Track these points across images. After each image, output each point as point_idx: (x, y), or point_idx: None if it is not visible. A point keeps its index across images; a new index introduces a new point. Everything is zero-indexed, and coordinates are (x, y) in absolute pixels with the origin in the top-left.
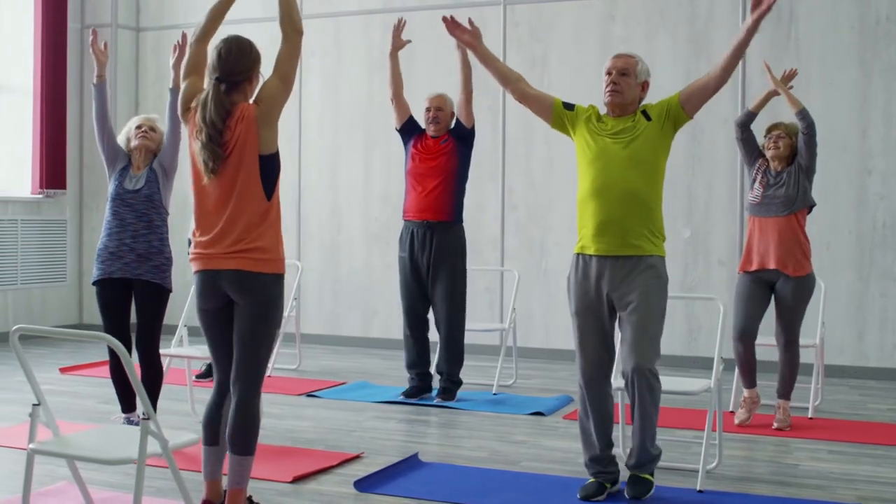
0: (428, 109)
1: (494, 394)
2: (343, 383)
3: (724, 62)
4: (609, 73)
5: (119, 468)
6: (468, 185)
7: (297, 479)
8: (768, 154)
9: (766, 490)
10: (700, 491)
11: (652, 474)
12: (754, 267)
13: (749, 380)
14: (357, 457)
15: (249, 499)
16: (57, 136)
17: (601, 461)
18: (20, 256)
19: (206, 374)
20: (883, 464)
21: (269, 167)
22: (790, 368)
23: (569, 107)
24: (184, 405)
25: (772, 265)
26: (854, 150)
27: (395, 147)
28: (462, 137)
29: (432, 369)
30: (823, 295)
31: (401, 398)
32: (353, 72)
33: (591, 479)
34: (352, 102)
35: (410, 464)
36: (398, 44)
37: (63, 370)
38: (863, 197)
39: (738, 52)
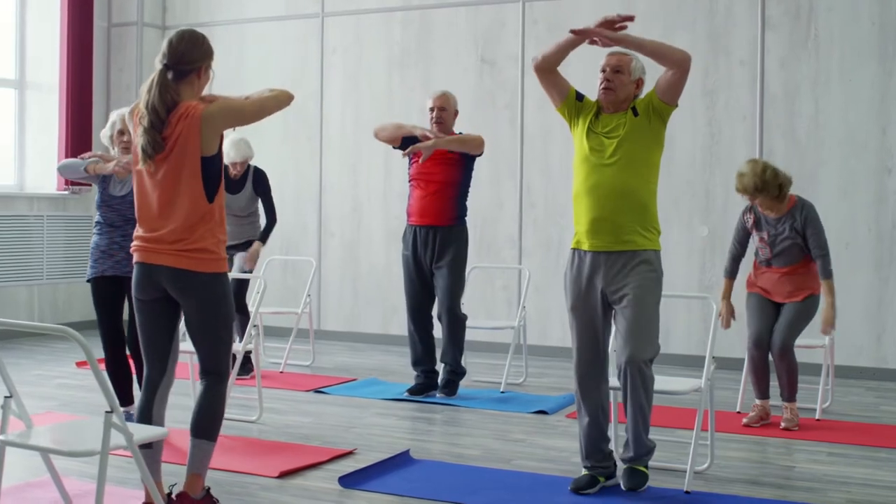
0: (431, 109)
1: (502, 392)
2: (353, 380)
3: (660, 62)
4: (603, 71)
5: (109, 461)
6: (486, 184)
7: (284, 475)
8: (760, 210)
9: (756, 492)
10: (687, 492)
11: (647, 467)
12: (762, 294)
13: (761, 390)
14: (349, 453)
15: (208, 490)
16: (83, 133)
17: (596, 455)
18: (46, 252)
19: None
20: (883, 467)
21: (212, 169)
22: (789, 375)
23: (580, 97)
24: (186, 399)
25: (780, 299)
26: (874, 148)
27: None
28: (469, 156)
29: (438, 367)
30: None
31: (406, 395)
32: (373, 69)
33: (584, 472)
34: (372, 99)
35: (400, 461)
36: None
37: (79, 364)
38: (882, 195)
39: (647, 51)
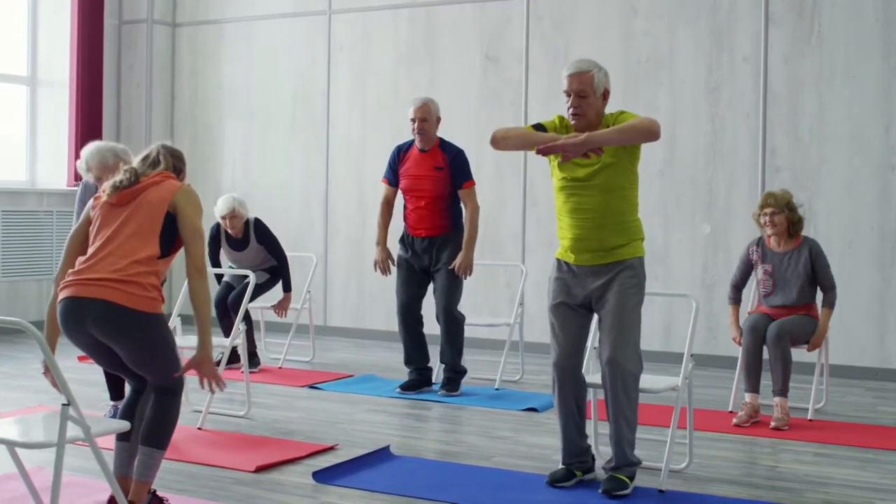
0: (413, 120)
1: (496, 389)
2: (350, 376)
3: (633, 143)
4: (568, 95)
5: (87, 453)
6: (489, 181)
7: (261, 469)
8: (767, 232)
9: (732, 492)
10: (661, 490)
11: (630, 478)
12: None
13: (752, 382)
14: (330, 448)
15: (153, 493)
16: (92, 129)
17: (573, 450)
18: (55, 247)
19: (217, 362)
20: (867, 468)
21: (171, 227)
22: (783, 364)
23: (541, 129)
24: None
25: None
26: (877, 146)
27: None
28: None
29: (431, 364)
30: None
31: (397, 392)
32: (380, 66)
33: (561, 466)
34: (379, 96)
35: (378, 456)
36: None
37: (81, 358)
38: (886, 193)
39: (615, 142)
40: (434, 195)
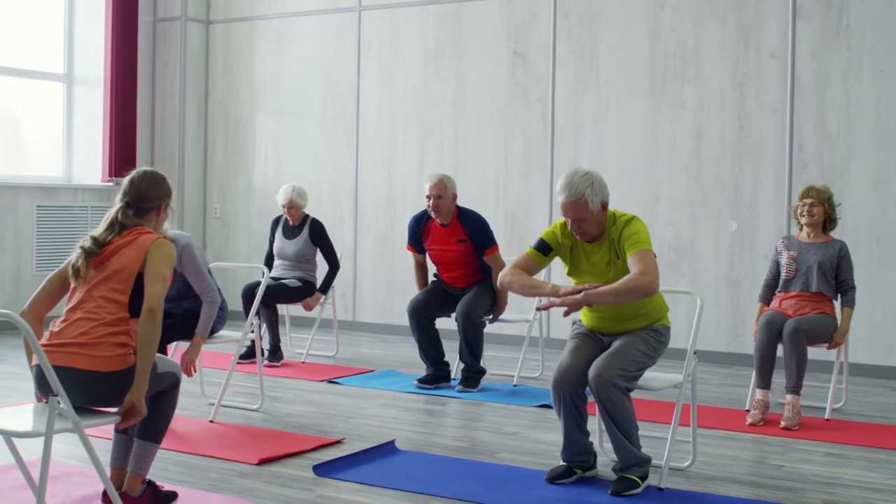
0: (428, 197)
1: (514, 385)
2: (372, 371)
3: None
4: (566, 217)
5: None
6: (516, 177)
7: (264, 462)
8: (802, 221)
9: (733, 490)
10: (661, 489)
11: (642, 478)
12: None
13: (763, 378)
14: (336, 442)
15: (148, 484)
16: (127, 126)
17: (576, 449)
18: None
19: (245, 356)
20: (876, 468)
21: (142, 289)
22: (797, 361)
23: (546, 249)
24: (194, 386)
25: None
26: None
27: (449, 137)
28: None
29: (447, 359)
30: None
31: (415, 385)
32: (409, 62)
33: (562, 463)
34: (408, 93)
35: (382, 451)
36: None
37: None
38: None
39: (614, 300)
40: (465, 263)
